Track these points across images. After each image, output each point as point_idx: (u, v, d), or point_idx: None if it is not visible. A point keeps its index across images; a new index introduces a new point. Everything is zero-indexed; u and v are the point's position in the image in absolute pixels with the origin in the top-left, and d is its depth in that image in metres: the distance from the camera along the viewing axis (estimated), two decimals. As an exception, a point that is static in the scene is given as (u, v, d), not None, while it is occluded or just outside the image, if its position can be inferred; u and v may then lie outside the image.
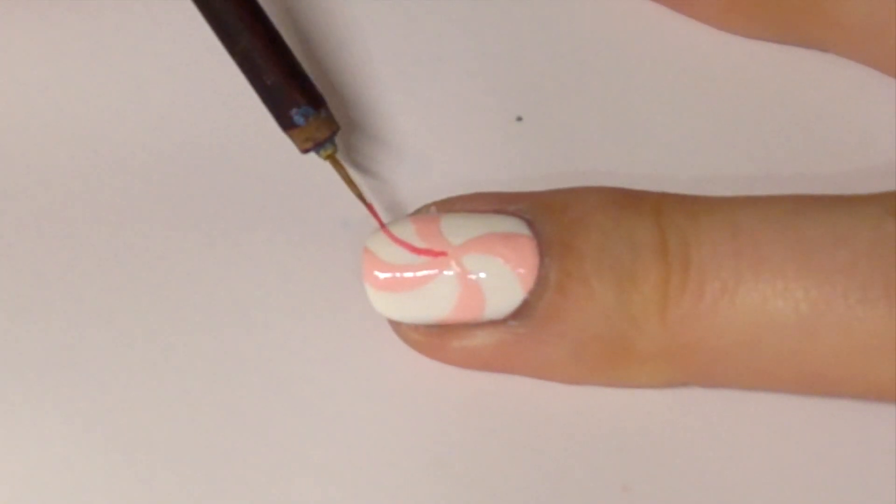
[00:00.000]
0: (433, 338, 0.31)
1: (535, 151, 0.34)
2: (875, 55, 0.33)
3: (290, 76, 0.31)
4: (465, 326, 0.30)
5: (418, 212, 0.31)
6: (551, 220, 0.30)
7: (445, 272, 0.30)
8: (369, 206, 0.31)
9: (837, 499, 0.30)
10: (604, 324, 0.29)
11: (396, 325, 0.31)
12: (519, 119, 0.34)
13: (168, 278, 0.32)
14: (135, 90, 0.34)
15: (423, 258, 0.30)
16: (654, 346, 0.29)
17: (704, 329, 0.29)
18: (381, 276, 0.30)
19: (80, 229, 0.33)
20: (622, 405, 0.31)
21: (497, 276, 0.29)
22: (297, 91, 0.31)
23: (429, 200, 0.31)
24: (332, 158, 0.32)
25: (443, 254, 0.30)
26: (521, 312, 0.30)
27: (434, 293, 0.30)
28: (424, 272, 0.30)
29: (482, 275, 0.30)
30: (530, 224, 0.30)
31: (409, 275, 0.30)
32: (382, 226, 0.30)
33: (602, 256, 0.29)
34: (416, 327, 0.31)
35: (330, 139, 0.32)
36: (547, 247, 0.30)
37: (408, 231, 0.30)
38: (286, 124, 0.31)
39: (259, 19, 0.32)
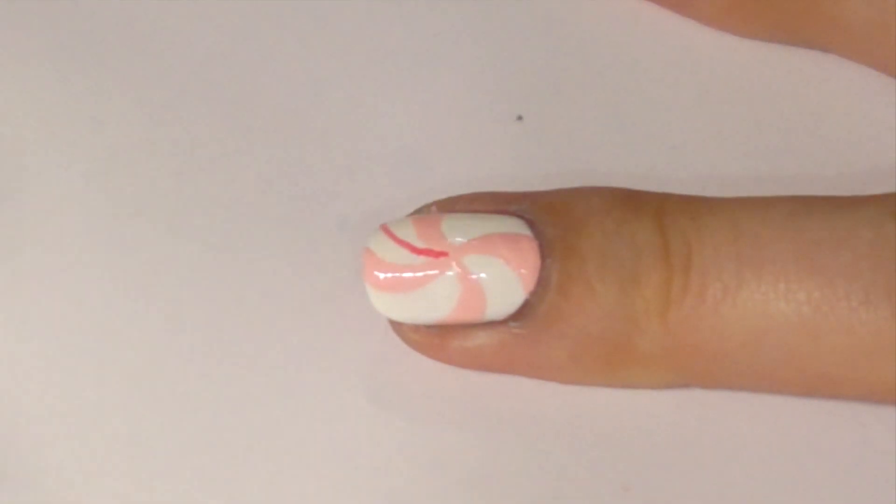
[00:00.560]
0: (434, 338, 0.30)
1: (535, 151, 0.34)
2: (876, 56, 0.33)
3: None
4: (466, 327, 0.30)
5: (419, 212, 0.31)
6: (553, 220, 0.30)
7: (446, 272, 0.30)
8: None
9: (837, 500, 0.30)
10: (605, 325, 0.29)
11: (397, 326, 0.31)
12: (519, 119, 0.34)
13: (167, 278, 0.32)
14: (135, 89, 0.34)
15: (423, 258, 0.30)
16: (655, 347, 0.29)
17: (706, 331, 0.29)
18: (382, 276, 0.30)
19: (80, 229, 0.33)
20: (622, 406, 0.31)
21: (498, 277, 0.29)
22: None
23: (429, 200, 0.31)
24: None
25: (444, 254, 0.30)
26: (522, 313, 0.30)
27: (435, 293, 0.30)
28: (425, 272, 0.30)
29: (483, 275, 0.29)
30: (532, 225, 0.30)
31: (409, 275, 0.30)
32: (383, 225, 0.30)
33: (604, 258, 0.29)
34: (417, 328, 0.30)
35: None
36: (549, 248, 0.29)
37: (408, 231, 0.30)
38: None
39: None
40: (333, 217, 0.33)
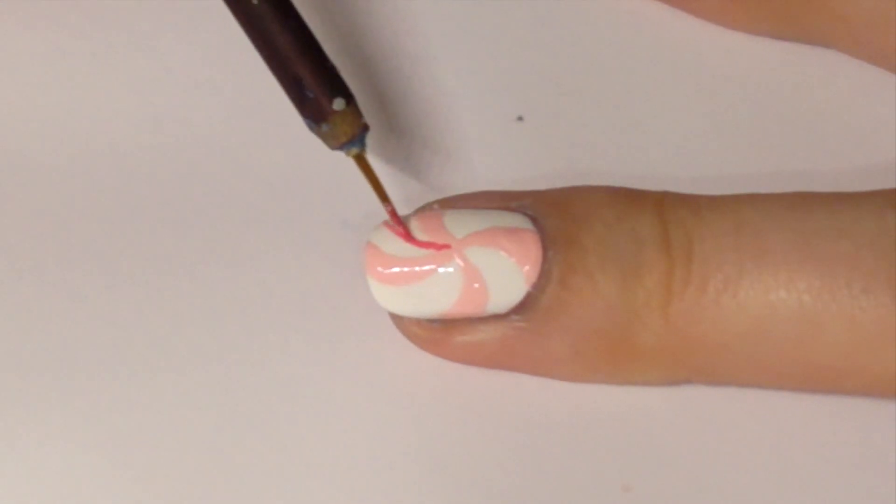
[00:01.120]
0: (435, 332, 0.30)
1: (535, 151, 0.34)
2: (878, 51, 0.33)
3: (325, 69, 0.31)
4: (468, 321, 0.30)
5: (421, 209, 0.31)
6: (555, 215, 0.30)
7: (448, 265, 0.30)
8: (391, 212, 0.31)
9: (838, 499, 0.30)
10: (607, 318, 0.29)
11: (399, 320, 0.31)
12: (519, 119, 0.34)
13: (168, 278, 0.32)
14: (136, 89, 0.34)
15: (426, 251, 0.30)
16: (656, 340, 0.29)
17: (707, 322, 0.29)
18: (384, 269, 0.30)
19: (80, 229, 0.33)
20: (623, 405, 0.31)
21: (500, 270, 0.29)
22: (336, 82, 0.31)
23: (429, 199, 0.31)
24: (360, 157, 0.31)
25: (446, 247, 0.30)
26: (525, 306, 0.30)
27: (437, 286, 0.30)
28: (427, 266, 0.30)
29: (485, 268, 0.29)
30: (534, 220, 0.30)
31: (411, 268, 0.30)
32: (385, 221, 0.30)
33: (605, 250, 0.29)
34: (419, 322, 0.30)
35: (362, 136, 0.31)
36: (550, 241, 0.30)
37: (411, 226, 0.30)
38: (322, 115, 0.31)
39: (293, 14, 0.31)
40: (336, 216, 0.33)
